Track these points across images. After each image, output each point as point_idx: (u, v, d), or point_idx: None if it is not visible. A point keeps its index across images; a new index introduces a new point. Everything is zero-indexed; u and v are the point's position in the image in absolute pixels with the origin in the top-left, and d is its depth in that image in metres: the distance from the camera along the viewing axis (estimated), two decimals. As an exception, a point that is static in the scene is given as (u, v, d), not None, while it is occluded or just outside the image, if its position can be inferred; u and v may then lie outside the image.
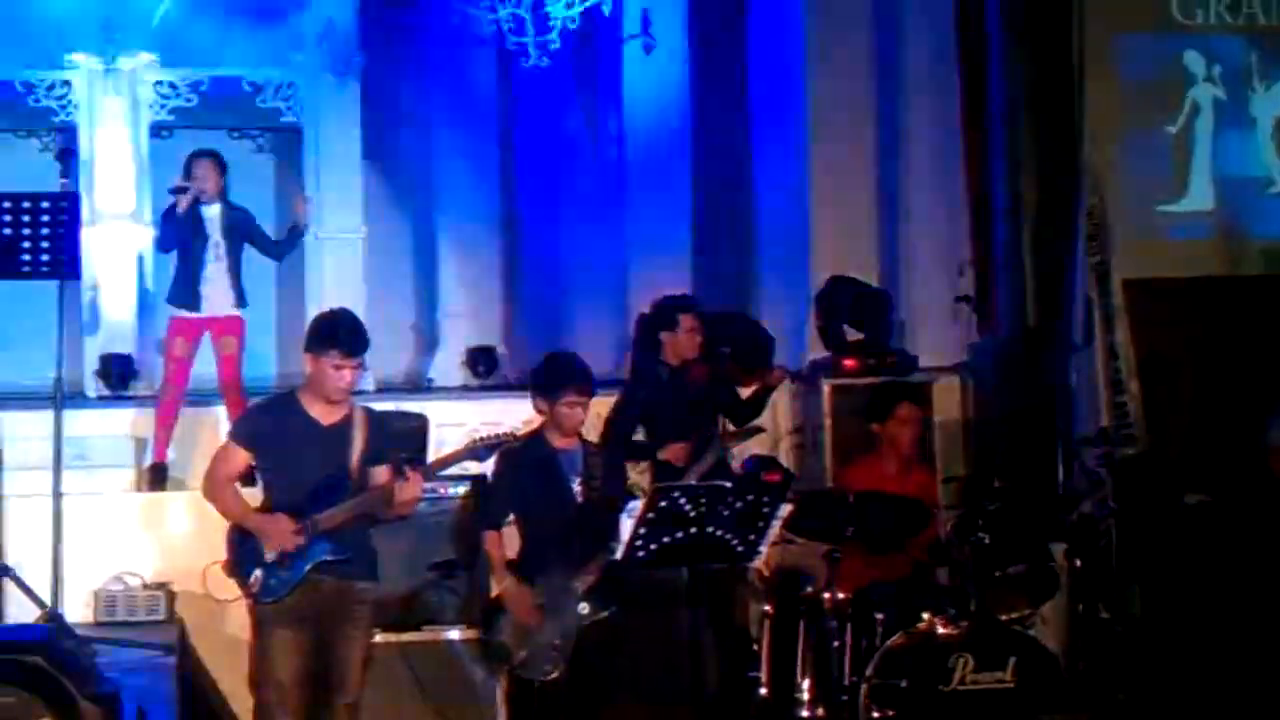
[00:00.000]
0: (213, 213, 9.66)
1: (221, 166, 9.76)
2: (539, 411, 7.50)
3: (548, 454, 7.40)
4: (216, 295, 9.69)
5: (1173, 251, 11.03)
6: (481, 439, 6.93)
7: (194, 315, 9.67)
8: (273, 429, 6.71)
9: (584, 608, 7.26)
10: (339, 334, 6.66)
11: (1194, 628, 8.70)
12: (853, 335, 10.76)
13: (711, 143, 12.33)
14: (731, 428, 8.62)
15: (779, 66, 12.03)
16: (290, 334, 11.22)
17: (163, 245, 9.88)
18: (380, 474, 6.71)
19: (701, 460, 8.04)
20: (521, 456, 7.31)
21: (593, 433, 8.00)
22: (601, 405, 8.58)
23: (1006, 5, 11.12)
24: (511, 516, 7.48)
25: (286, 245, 10.01)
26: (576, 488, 7.41)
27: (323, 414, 6.67)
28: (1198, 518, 9.27)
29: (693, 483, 7.55)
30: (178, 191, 9.61)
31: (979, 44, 11.23)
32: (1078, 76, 10.84)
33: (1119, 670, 8.48)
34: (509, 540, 7.47)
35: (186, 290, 9.67)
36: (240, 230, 9.78)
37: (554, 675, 7.22)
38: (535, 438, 7.45)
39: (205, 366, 11.49)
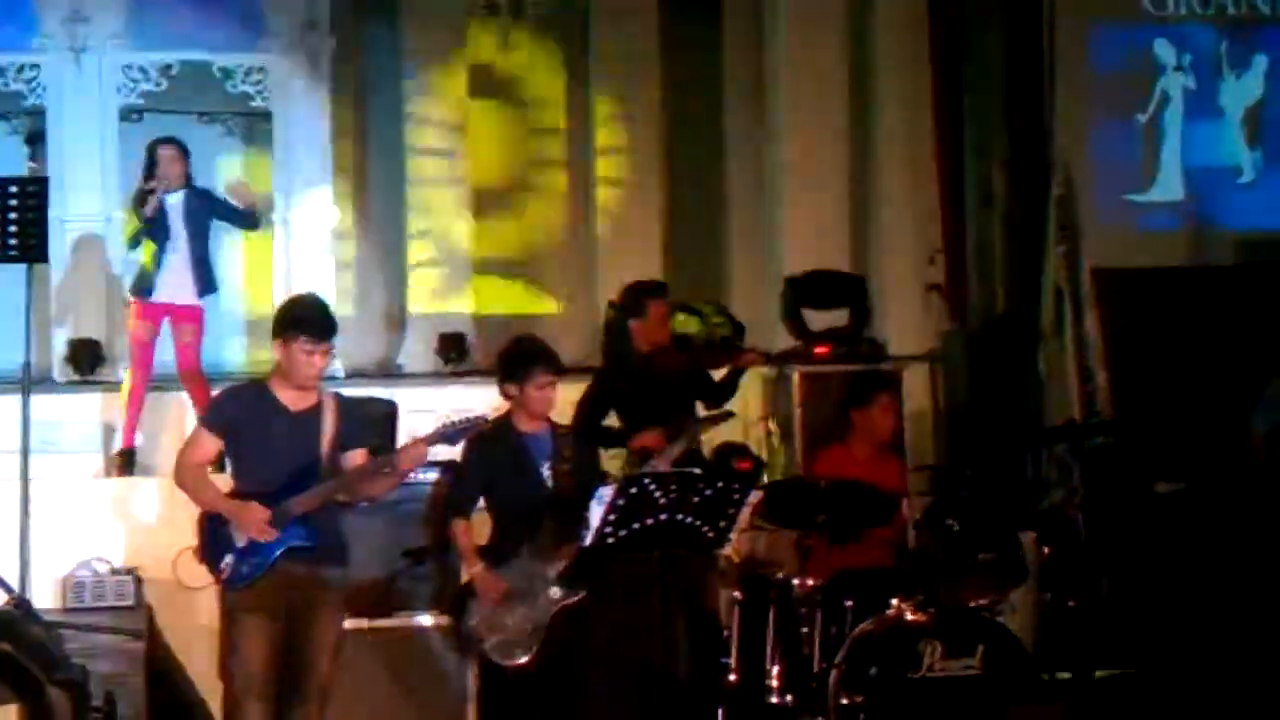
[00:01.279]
0: (174, 201, 9.59)
1: (184, 153, 9.66)
2: (507, 396, 7.49)
3: (516, 439, 7.40)
4: (174, 283, 9.60)
5: (1142, 241, 11.08)
6: (452, 423, 6.92)
7: (151, 301, 9.61)
8: (243, 415, 6.69)
9: (555, 593, 7.26)
10: (306, 319, 6.65)
11: (1163, 616, 8.75)
12: (819, 323, 10.78)
13: (683, 128, 12.32)
14: (703, 412, 8.61)
15: (752, 53, 12.03)
16: (259, 320, 11.19)
17: (131, 243, 9.80)
18: (352, 459, 6.70)
19: (674, 446, 8.02)
20: (490, 442, 7.30)
21: (564, 417, 7.99)
22: (571, 392, 8.59)
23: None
24: (482, 502, 7.47)
25: (251, 219, 9.90)
26: (546, 472, 7.40)
27: (293, 400, 6.66)
28: (1167, 506, 9.32)
29: (664, 469, 7.56)
30: (148, 194, 9.52)
31: (950, 32, 11.25)
32: (1048, 65, 10.87)
33: (1087, 658, 8.51)
34: (480, 526, 7.46)
35: (143, 279, 9.62)
36: (202, 214, 9.69)
37: (525, 661, 7.22)
38: (503, 423, 7.44)
39: (160, 353, 11.48)
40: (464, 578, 7.48)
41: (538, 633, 7.20)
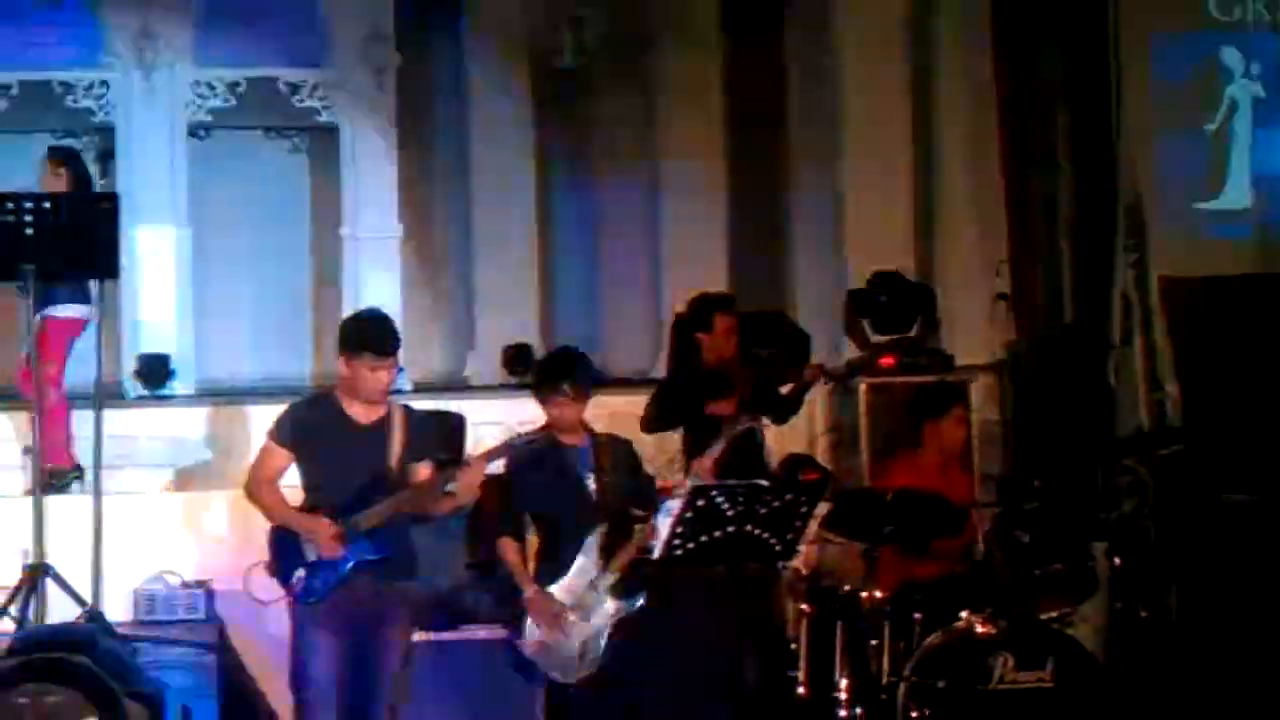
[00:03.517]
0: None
1: (58, 162, 9.09)
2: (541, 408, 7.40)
3: (557, 452, 7.24)
4: None
5: (1211, 249, 11.00)
6: (519, 434, 6.92)
7: None
8: (311, 429, 6.72)
9: (610, 606, 7.17)
10: (370, 336, 6.67)
11: (1233, 628, 8.68)
12: (880, 336, 10.78)
13: (746, 140, 12.33)
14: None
15: (815, 63, 12.03)
16: (327, 334, 11.25)
17: None
18: (420, 471, 6.72)
19: (715, 446, 7.92)
20: (531, 457, 7.18)
21: (619, 429, 7.98)
22: (636, 405, 8.62)
23: (1043, 1, 11.11)
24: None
25: None
26: (590, 484, 7.28)
27: (361, 413, 6.69)
28: (1238, 517, 9.24)
29: (705, 472, 7.51)
30: None
31: (1015, 40, 11.21)
32: (1114, 73, 10.82)
33: (1158, 670, 8.45)
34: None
35: None
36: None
37: (583, 676, 7.16)
38: (544, 437, 7.31)
39: (229, 367, 11.57)
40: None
41: (596, 647, 7.14)
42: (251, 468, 6.76)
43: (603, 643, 7.15)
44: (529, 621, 7.18)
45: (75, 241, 8.20)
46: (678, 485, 7.31)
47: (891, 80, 11.60)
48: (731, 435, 8.00)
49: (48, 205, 8.16)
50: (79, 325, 8.86)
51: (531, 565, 7.29)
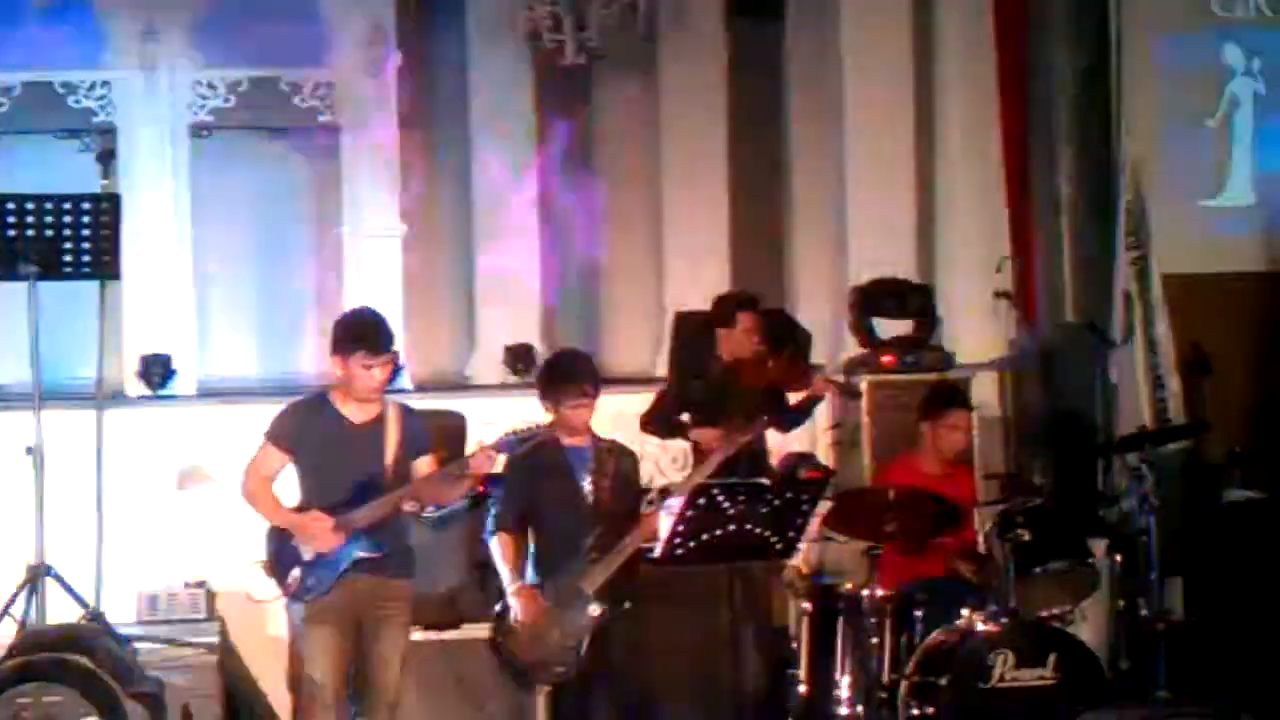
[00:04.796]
0: None
1: None
2: (546, 411, 7.40)
3: (556, 452, 7.26)
4: None
5: (1213, 246, 10.99)
6: (514, 430, 6.92)
7: None
8: (307, 429, 6.74)
9: (594, 609, 7.11)
10: (363, 334, 6.69)
11: (1236, 625, 8.67)
12: (887, 331, 10.75)
13: (748, 137, 12.31)
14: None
15: (817, 60, 12.02)
16: (329, 334, 11.22)
17: None
18: (422, 468, 6.73)
19: (712, 459, 7.89)
20: (530, 456, 7.19)
21: (621, 429, 7.96)
22: (636, 403, 8.61)
23: (1044, -2, 11.11)
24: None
25: None
26: (586, 485, 7.28)
27: (355, 412, 6.71)
28: (1240, 514, 9.24)
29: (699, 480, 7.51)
30: None
31: (1016, 36, 11.20)
32: (1115, 69, 10.80)
33: (1160, 668, 8.44)
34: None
35: None
36: None
37: (563, 676, 7.10)
38: (543, 433, 7.24)
39: (231, 367, 11.55)
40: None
41: (575, 649, 7.08)
42: (247, 468, 6.78)
43: (582, 646, 7.09)
44: (511, 621, 7.13)
45: (77, 242, 8.22)
46: (653, 495, 7.30)
47: (894, 77, 11.57)
48: (722, 458, 7.95)
49: (50, 206, 8.19)
50: None
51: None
